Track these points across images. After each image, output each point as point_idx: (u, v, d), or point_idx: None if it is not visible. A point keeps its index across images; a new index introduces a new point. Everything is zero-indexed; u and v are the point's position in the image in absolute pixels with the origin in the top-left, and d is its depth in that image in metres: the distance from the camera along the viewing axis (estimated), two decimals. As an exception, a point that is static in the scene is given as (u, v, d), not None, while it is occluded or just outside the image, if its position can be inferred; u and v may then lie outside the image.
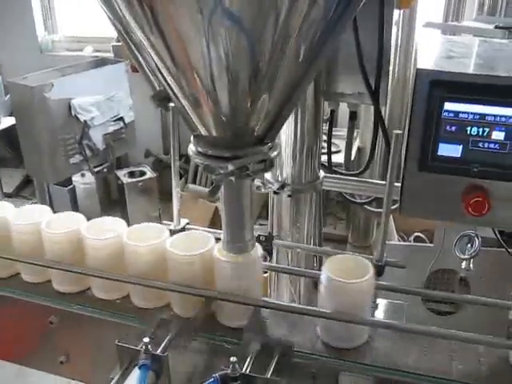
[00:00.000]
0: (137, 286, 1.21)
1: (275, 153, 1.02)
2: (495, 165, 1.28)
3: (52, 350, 1.36)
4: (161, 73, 0.95)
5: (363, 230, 3.45)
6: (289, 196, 1.59)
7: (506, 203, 1.31)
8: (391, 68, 2.93)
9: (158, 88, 1.11)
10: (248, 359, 0.99)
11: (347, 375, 1.12)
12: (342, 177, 1.68)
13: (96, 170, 3.73)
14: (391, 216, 3.69)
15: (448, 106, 1.26)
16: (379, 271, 1.25)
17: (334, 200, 4.51)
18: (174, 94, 0.97)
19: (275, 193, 1.59)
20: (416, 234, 3.79)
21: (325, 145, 1.73)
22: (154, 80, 1.10)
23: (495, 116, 1.25)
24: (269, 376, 0.96)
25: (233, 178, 0.96)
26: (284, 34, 0.89)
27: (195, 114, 0.99)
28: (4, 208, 1.36)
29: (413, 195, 1.36)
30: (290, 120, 1.61)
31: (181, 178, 4.77)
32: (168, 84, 0.96)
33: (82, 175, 3.89)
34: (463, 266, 1.96)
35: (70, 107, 3.45)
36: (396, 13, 2.46)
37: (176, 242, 1.18)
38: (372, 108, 1.57)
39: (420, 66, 1.28)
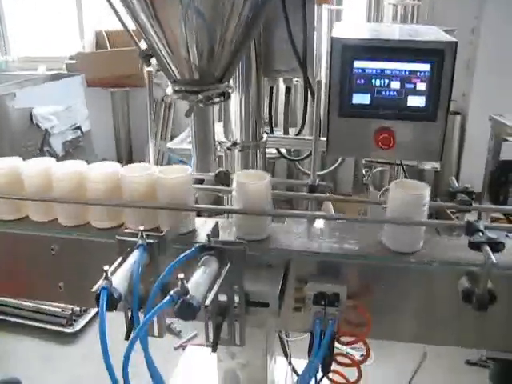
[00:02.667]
0: (130, 211, 1.52)
1: (230, 90, 1.40)
2: (395, 108, 1.69)
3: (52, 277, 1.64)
4: (149, 33, 1.31)
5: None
6: (240, 151, 1.95)
7: (406, 138, 1.71)
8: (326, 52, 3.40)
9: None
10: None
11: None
12: (281, 136, 2.06)
13: (57, 175, 3.97)
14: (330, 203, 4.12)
15: (357, 64, 1.66)
16: (313, 190, 1.63)
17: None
18: (159, 48, 1.33)
19: (228, 149, 1.95)
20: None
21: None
22: (137, 40, 1.45)
23: (392, 70, 1.66)
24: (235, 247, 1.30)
25: (201, 105, 1.32)
26: (231, 13, 1.28)
27: (173, 63, 1.35)
28: (14, 159, 1.65)
29: (336, 137, 1.74)
30: (238, 95, 1.99)
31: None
32: (155, 42, 1.31)
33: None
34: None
35: (31, 116, 3.71)
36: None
37: (162, 172, 1.51)
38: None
39: (333, 35, 1.68)
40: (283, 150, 2.43)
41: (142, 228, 1.30)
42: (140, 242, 1.28)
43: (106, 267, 1.12)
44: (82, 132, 4.08)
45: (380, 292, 1.49)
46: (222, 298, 1.36)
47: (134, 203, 1.48)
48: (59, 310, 3.43)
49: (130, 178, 1.50)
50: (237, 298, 1.36)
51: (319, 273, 1.49)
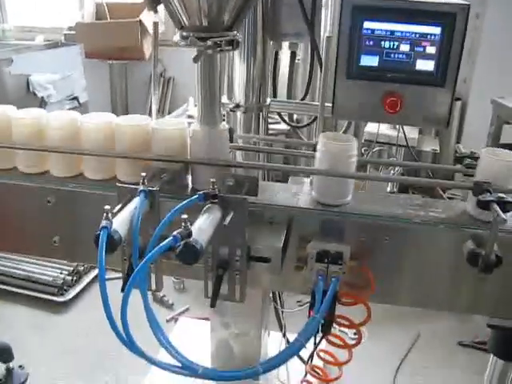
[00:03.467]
0: (122, 162, 1.48)
1: (240, 39, 1.36)
2: (403, 71, 1.65)
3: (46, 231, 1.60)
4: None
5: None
6: (243, 113, 1.92)
7: (414, 102, 1.68)
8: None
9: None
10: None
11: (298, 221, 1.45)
12: (285, 100, 2.03)
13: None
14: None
15: (366, 24, 1.62)
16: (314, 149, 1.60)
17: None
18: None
19: (231, 111, 1.91)
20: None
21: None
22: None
23: (402, 32, 1.63)
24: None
25: (210, 51, 1.28)
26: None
27: (182, 9, 1.31)
28: (6, 108, 1.60)
29: (342, 100, 1.71)
30: (243, 56, 1.95)
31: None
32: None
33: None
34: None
35: (28, 84, 3.64)
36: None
37: (158, 123, 1.48)
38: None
39: (344, -6, 1.64)
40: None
41: (144, 174, 1.27)
42: (142, 187, 1.25)
43: (106, 206, 1.09)
44: (79, 103, 4.03)
45: (383, 254, 1.46)
46: (224, 250, 1.33)
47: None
48: (50, 278, 3.39)
49: (124, 128, 1.46)
50: (238, 252, 1.33)
51: (322, 232, 1.46)
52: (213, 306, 1.34)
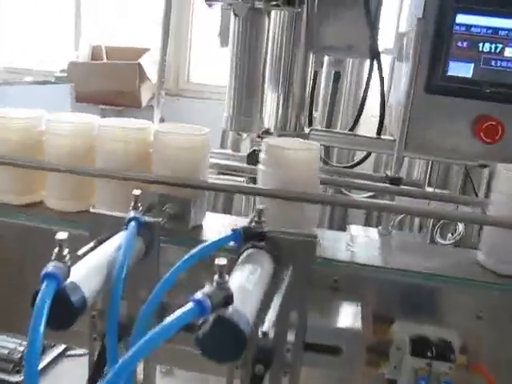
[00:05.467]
0: (104, 185, 0.97)
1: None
2: (508, 85, 1.19)
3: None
4: None
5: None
6: (275, 139, 1.43)
7: (520, 129, 1.20)
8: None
9: None
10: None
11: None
12: (328, 130, 1.55)
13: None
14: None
15: (460, 18, 1.18)
16: (396, 183, 1.09)
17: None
18: None
19: (259, 137, 1.42)
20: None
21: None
22: None
23: (509, 30, 1.17)
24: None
25: (260, 5, 0.80)
26: None
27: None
28: None
29: (420, 123, 1.23)
30: (277, 73, 1.50)
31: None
32: None
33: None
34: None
35: (5, 120, 3.17)
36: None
37: (164, 127, 0.98)
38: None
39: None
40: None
41: (137, 193, 0.74)
42: (133, 214, 0.72)
43: (60, 235, 0.55)
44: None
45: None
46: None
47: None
48: (5, 351, 2.73)
49: (107, 133, 0.97)
50: (291, 335, 0.78)
51: (412, 307, 0.93)
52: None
